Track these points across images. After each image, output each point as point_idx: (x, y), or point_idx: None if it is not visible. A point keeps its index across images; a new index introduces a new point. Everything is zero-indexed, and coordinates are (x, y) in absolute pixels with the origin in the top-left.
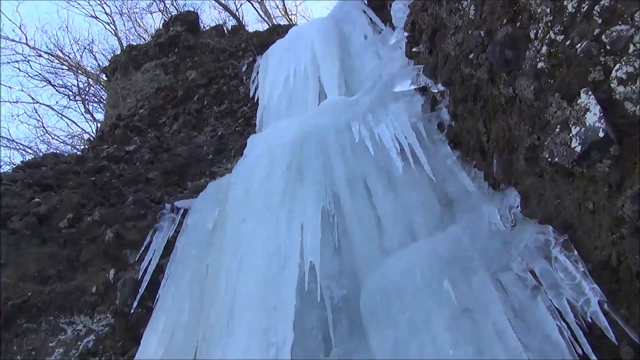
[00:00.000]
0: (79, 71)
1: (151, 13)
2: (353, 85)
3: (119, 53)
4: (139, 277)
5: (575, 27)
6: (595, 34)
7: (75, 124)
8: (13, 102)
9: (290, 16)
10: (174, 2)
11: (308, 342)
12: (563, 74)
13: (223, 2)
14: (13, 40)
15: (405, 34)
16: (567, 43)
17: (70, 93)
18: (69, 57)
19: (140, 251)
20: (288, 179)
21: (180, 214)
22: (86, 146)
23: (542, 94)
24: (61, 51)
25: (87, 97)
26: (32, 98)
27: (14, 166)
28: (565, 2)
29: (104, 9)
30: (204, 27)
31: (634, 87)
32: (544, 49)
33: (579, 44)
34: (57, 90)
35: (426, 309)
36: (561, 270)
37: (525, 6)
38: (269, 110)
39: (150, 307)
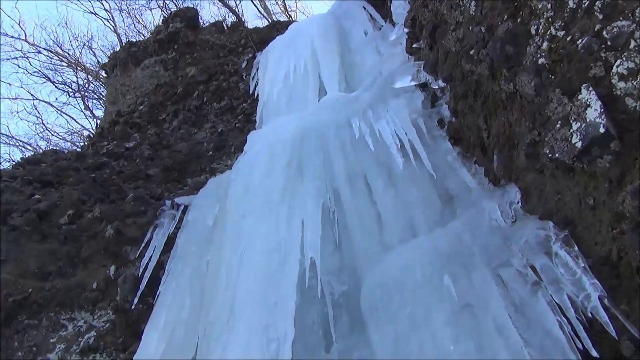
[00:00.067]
0: (79, 68)
1: (150, 9)
2: (353, 81)
3: (118, 49)
4: (140, 274)
5: (576, 22)
6: (596, 29)
7: (75, 120)
8: (12, 98)
9: (290, 13)
10: None
11: (308, 338)
12: (564, 70)
13: None
14: (12, 37)
15: (406, 30)
16: (568, 39)
17: (70, 90)
18: (68, 54)
19: (141, 247)
20: (288, 175)
21: (181, 211)
22: (86, 143)
23: (543, 89)
24: (60, 48)
25: (86, 93)
26: (32, 95)
27: (14, 163)
28: None
29: (103, 5)
30: (203, 23)
31: (634, 83)
32: (545, 44)
33: (580, 40)
34: (56, 86)
35: (426, 305)
36: (561, 266)
37: (526, 2)
38: (269, 106)
39: (150, 304)
